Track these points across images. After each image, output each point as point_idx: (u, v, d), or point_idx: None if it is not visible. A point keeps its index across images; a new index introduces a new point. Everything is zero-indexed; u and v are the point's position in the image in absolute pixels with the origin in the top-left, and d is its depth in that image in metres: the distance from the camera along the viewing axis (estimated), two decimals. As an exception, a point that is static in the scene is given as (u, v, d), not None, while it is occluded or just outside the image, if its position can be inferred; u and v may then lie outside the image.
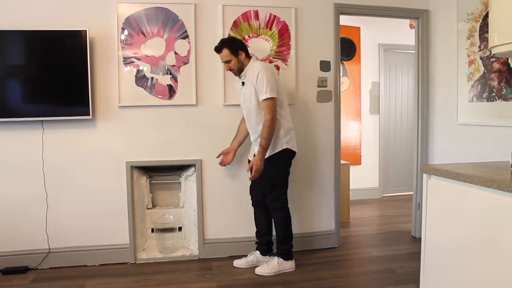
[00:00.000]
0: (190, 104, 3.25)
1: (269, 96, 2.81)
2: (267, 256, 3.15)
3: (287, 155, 3.01)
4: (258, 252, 3.17)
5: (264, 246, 3.17)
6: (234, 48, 2.88)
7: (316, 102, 3.49)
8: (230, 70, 2.94)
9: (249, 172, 2.93)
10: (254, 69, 2.88)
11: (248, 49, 3.03)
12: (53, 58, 2.99)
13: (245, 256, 3.20)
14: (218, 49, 2.91)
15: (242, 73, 2.94)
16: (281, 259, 3.04)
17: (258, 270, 3.01)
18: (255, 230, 3.20)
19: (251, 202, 3.19)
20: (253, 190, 3.15)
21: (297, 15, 3.39)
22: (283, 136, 2.95)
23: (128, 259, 3.23)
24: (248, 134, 3.11)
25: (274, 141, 2.91)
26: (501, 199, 1.67)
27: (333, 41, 3.48)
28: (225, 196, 3.37)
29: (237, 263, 3.16)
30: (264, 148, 2.84)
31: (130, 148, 3.17)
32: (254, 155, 2.94)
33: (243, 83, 2.96)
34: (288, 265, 3.06)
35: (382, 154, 5.58)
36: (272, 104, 2.83)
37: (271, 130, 2.83)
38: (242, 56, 2.90)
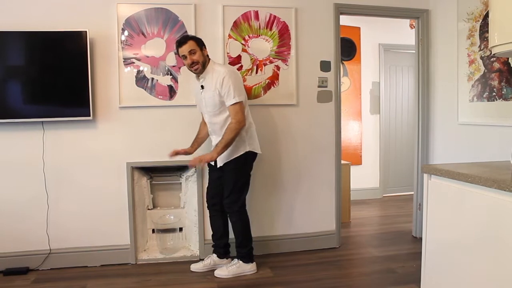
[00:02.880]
0: (191, 105, 3.24)
1: (237, 101, 2.78)
2: (224, 259, 3.10)
3: (250, 158, 2.98)
4: (215, 255, 3.10)
5: (221, 249, 3.11)
6: (200, 41, 2.82)
7: (317, 102, 3.49)
8: (193, 63, 2.78)
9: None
10: (216, 73, 2.80)
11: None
12: (54, 59, 3.00)
13: (202, 259, 3.15)
14: (183, 41, 2.78)
15: (201, 76, 2.86)
16: (241, 262, 2.99)
17: (217, 273, 2.96)
18: (211, 233, 3.14)
19: (206, 205, 3.17)
20: (209, 192, 3.10)
21: (297, 15, 3.39)
22: (246, 138, 2.92)
23: (129, 260, 3.23)
24: (207, 137, 3.10)
25: (237, 144, 2.86)
26: (502, 199, 1.67)
27: (333, 41, 3.48)
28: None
29: (194, 267, 3.09)
30: (221, 148, 2.78)
31: (130, 149, 3.18)
32: (216, 159, 2.91)
33: (202, 86, 2.88)
34: (248, 268, 3.01)
35: (382, 154, 5.58)
36: (240, 108, 2.79)
37: (235, 133, 2.78)
38: (206, 52, 2.84)
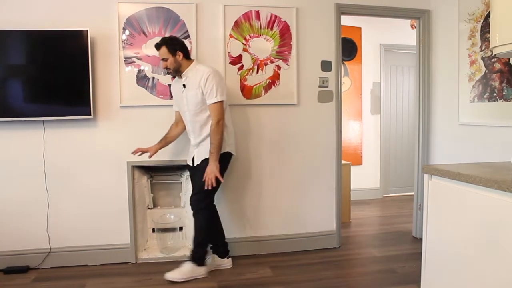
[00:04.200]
0: (191, 104, 3.25)
1: (219, 100, 2.82)
2: (225, 259, 3.11)
3: (227, 158, 2.98)
4: (215, 255, 3.10)
5: (221, 247, 3.11)
6: (172, 47, 2.83)
7: (317, 102, 3.49)
8: (166, 69, 2.89)
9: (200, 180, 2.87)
10: (200, 73, 2.84)
11: (190, 52, 3.00)
12: (55, 58, 3.00)
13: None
14: (157, 47, 2.87)
15: (183, 74, 2.90)
16: (194, 265, 2.91)
17: (169, 276, 2.85)
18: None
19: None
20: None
21: (298, 15, 3.39)
22: (226, 139, 2.94)
23: (129, 259, 3.23)
24: (175, 140, 3.12)
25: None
26: (502, 199, 1.67)
27: (334, 41, 3.48)
28: (225, 196, 3.37)
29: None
30: (215, 154, 2.81)
31: (131, 148, 3.17)
32: (193, 159, 2.96)
33: (184, 85, 2.90)
34: (201, 272, 2.94)
35: (383, 154, 5.58)
36: (220, 107, 2.83)
37: (221, 134, 2.83)
38: (180, 56, 2.85)
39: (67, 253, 3.15)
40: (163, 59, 2.86)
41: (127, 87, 3.16)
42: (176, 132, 3.12)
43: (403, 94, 5.73)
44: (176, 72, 2.90)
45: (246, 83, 3.33)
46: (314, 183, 3.53)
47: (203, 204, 2.94)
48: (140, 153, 3.03)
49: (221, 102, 2.84)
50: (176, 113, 3.11)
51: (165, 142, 3.10)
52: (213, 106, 2.83)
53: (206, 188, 2.83)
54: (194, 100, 2.87)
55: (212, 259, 3.10)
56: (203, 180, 2.83)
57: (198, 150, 2.95)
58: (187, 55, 2.91)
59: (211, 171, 2.81)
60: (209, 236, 3.02)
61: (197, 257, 2.94)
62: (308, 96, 3.46)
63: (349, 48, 5.20)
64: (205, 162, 2.88)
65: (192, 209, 2.97)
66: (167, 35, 3.15)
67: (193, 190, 3.00)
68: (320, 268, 3.14)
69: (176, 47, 2.85)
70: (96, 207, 3.18)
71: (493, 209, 1.73)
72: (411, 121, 5.38)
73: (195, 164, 2.96)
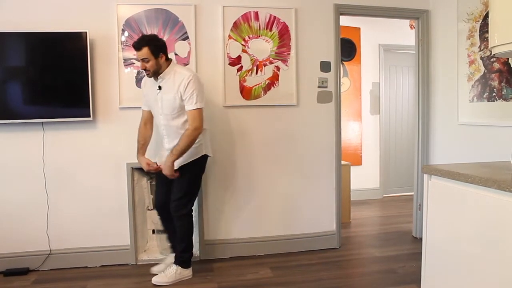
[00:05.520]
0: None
1: (198, 107, 2.71)
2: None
3: (204, 161, 2.94)
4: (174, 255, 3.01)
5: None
6: (156, 49, 2.67)
7: (317, 103, 3.49)
8: (145, 70, 2.71)
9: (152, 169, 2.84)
10: (180, 76, 2.72)
11: (168, 52, 2.84)
12: (54, 60, 3.00)
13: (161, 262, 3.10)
14: (138, 47, 2.66)
15: (160, 76, 2.75)
16: (180, 268, 2.90)
17: (155, 280, 2.84)
18: (167, 235, 3.09)
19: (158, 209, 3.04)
20: (162, 195, 2.97)
21: (297, 16, 3.39)
22: (203, 141, 2.87)
23: (129, 261, 3.23)
24: (149, 140, 3.00)
25: (196, 146, 2.79)
26: (502, 199, 1.67)
27: (333, 41, 3.48)
28: (225, 197, 3.37)
29: (155, 269, 3.02)
30: (177, 155, 2.71)
31: (130, 150, 3.16)
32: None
33: (160, 87, 2.77)
34: (187, 273, 2.93)
35: (382, 154, 5.58)
36: (200, 114, 2.72)
37: (193, 140, 2.71)
38: (162, 59, 2.71)
39: (67, 255, 3.15)
40: (143, 60, 2.67)
41: (127, 89, 3.16)
42: (148, 134, 2.98)
43: (402, 94, 5.74)
44: (155, 74, 2.74)
45: (245, 84, 3.33)
46: (314, 184, 3.53)
47: (186, 210, 2.88)
48: (154, 167, 2.90)
49: (200, 109, 2.72)
50: (146, 113, 2.96)
51: (144, 149, 2.98)
52: (192, 113, 2.71)
53: (189, 191, 2.82)
54: (171, 104, 2.74)
55: (167, 258, 3.07)
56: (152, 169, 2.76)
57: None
58: (167, 56, 2.79)
59: (167, 169, 2.72)
60: (192, 239, 2.98)
61: (184, 261, 2.94)
62: (308, 97, 3.46)
63: (348, 49, 5.20)
64: (185, 167, 2.80)
65: (174, 214, 2.88)
66: (166, 36, 3.15)
67: (173, 195, 2.86)
68: (320, 268, 3.14)
69: (160, 49, 2.70)
70: (96, 209, 3.18)
71: (492, 208, 1.73)
72: (411, 121, 5.38)
73: (174, 168, 2.79)
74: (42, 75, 3.00)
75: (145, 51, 2.65)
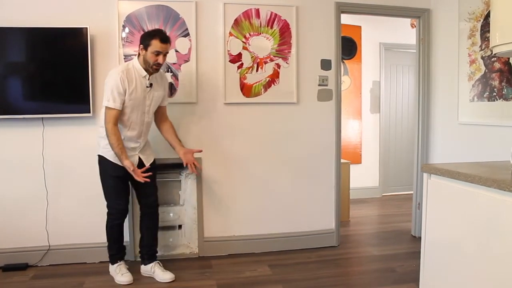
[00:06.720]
0: (191, 102, 3.25)
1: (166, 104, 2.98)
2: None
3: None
4: (154, 263, 2.95)
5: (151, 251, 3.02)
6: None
7: (317, 101, 3.48)
8: (159, 65, 2.69)
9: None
10: (162, 72, 2.93)
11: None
12: (54, 56, 2.99)
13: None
14: (168, 40, 2.71)
15: (152, 74, 2.75)
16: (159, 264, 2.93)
17: (162, 278, 2.85)
18: (140, 237, 3.03)
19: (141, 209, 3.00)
20: (144, 194, 2.94)
21: (298, 14, 3.38)
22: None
23: (128, 257, 3.22)
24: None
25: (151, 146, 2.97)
26: (502, 199, 1.67)
27: (334, 39, 3.48)
28: (225, 194, 3.37)
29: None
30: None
31: (130, 146, 3.17)
32: (140, 160, 2.83)
33: (151, 84, 2.76)
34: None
35: (382, 153, 5.58)
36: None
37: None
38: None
39: (66, 251, 3.15)
40: (165, 54, 2.70)
41: (127, 85, 3.15)
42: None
43: (402, 93, 5.74)
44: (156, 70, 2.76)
45: (245, 81, 3.33)
46: (314, 182, 3.53)
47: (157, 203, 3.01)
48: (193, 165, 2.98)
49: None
50: (118, 113, 2.65)
51: (177, 143, 3.01)
52: (165, 108, 2.98)
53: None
54: (159, 101, 2.88)
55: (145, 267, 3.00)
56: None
57: (146, 151, 2.89)
58: None
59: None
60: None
61: (155, 253, 3.02)
62: (308, 95, 3.46)
63: (349, 47, 5.20)
64: (153, 163, 2.93)
65: (153, 209, 2.96)
66: (167, 33, 3.13)
67: (149, 190, 2.89)
68: (319, 266, 3.14)
69: None
70: (95, 205, 3.17)
71: (492, 208, 1.73)
72: (411, 120, 5.37)
73: (147, 165, 2.80)
74: (42, 71, 3.00)
75: (169, 46, 2.75)
